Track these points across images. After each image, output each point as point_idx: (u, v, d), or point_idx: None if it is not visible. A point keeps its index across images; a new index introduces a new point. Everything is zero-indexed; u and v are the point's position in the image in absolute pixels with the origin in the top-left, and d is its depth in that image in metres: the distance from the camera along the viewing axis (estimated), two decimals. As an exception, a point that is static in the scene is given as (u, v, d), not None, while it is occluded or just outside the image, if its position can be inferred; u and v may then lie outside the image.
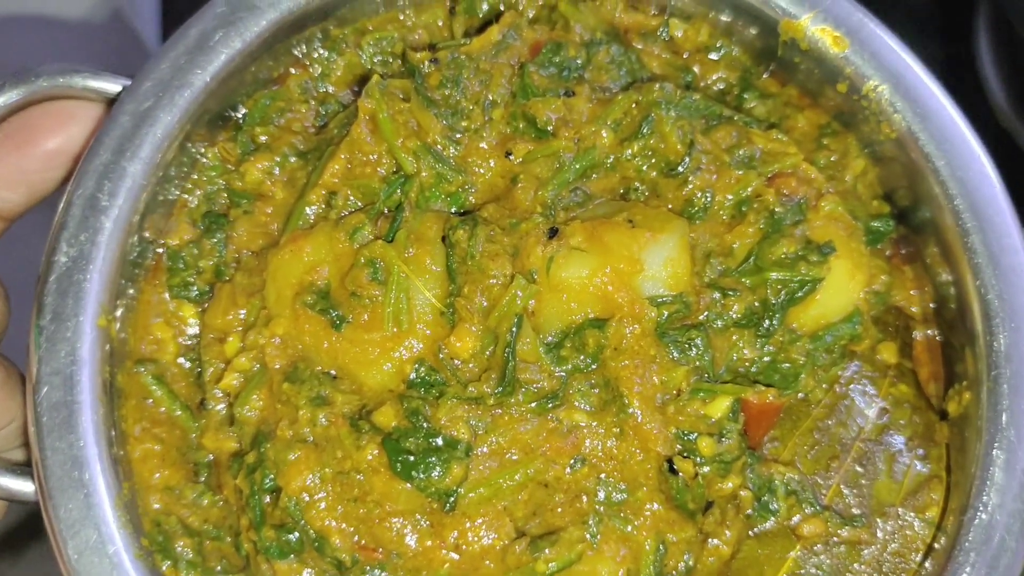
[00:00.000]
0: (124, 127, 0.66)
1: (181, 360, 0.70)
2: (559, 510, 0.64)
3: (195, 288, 0.70)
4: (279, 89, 0.73)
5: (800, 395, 0.68)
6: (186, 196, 0.71)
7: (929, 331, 0.71)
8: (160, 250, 0.70)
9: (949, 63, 0.98)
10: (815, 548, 0.66)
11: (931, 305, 0.71)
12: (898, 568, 0.65)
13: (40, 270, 0.65)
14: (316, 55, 0.73)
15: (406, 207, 0.67)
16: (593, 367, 0.65)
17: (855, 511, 0.66)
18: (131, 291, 0.68)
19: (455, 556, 0.63)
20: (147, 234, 0.68)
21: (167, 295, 0.70)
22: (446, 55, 0.70)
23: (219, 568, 0.67)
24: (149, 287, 0.70)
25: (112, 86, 0.69)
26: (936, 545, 0.65)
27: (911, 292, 0.72)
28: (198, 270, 0.70)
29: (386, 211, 0.68)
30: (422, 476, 0.62)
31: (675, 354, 0.65)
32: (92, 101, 0.69)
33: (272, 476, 0.64)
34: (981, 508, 0.63)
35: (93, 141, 0.66)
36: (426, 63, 0.70)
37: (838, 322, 0.68)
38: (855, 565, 0.66)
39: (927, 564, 0.65)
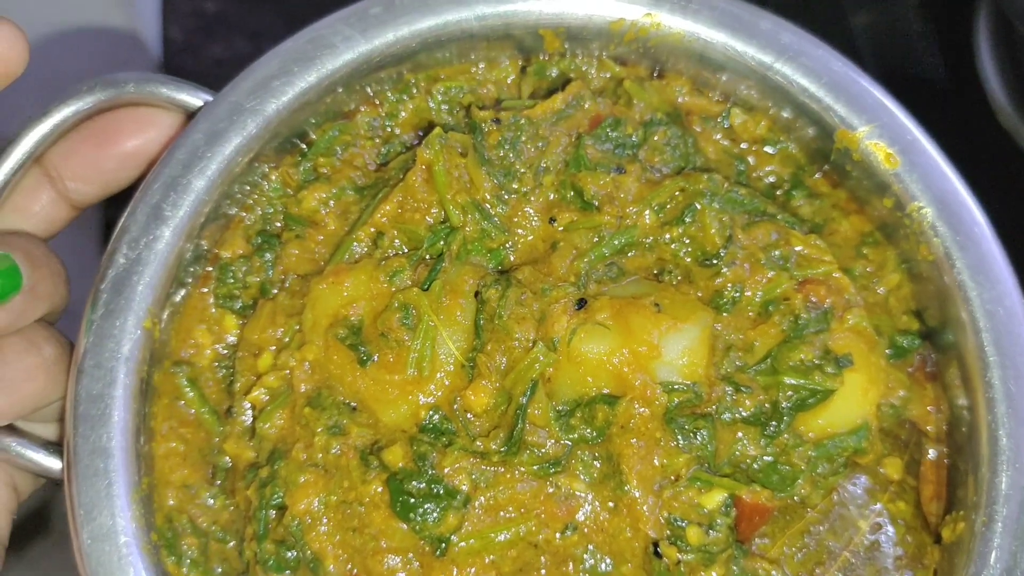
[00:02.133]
0: (196, 144, 0.71)
1: (216, 366, 0.74)
2: (543, 572, 0.67)
3: (240, 301, 0.74)
4: (347, 123, 0.76)
5: (794, 500, 0.70)
6: (244, 213, 0.75)
7: (941, 450, 0.72)
8: (212, 261, 0.75)
9: (949, 64, 0.96)
10: (792, 654, 0.68)
11: (945, 426, 0.72)
12: None
13: (100, 267, 0.70)
14: (387, 96, 0.77)
15: (447, 258, 0.70)
16: (598, 441, 0.68)
17: None
18: (180, 295, 0.73)
19: (438, 600, 0.67)
20: (203, 243, 0.73)
21: (212, 303, 0.75)
22: (508, 117, 0.73)
23: (220, 570, 0.71)
24: (197, 293, 0.74)
25: (194, 100, 0.73)
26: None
27: (928, 409, 0.73)
28: (245, 284, 0.74)
29: (427, 258, 0.71)
30: (419, 519, 0.66)
31: (680, 441, 0.68)
32: (172, 111, 0.74)
33: (281, 494, 0.68)
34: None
35: (166, 153, 0.71)
36: (488, 122, 0.73)
37: (844, 433, 0.69)
38: (826, 674, 0.67)
39: None
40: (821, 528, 0.69)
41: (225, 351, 0.74)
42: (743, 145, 0.77)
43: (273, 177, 0.76)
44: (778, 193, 0.76)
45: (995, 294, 0.68)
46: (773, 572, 0.68)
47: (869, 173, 0.72)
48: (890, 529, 0.70)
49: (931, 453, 0.73)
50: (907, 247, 0.72)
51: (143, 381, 0.70)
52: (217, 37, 1.42)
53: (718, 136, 0.77)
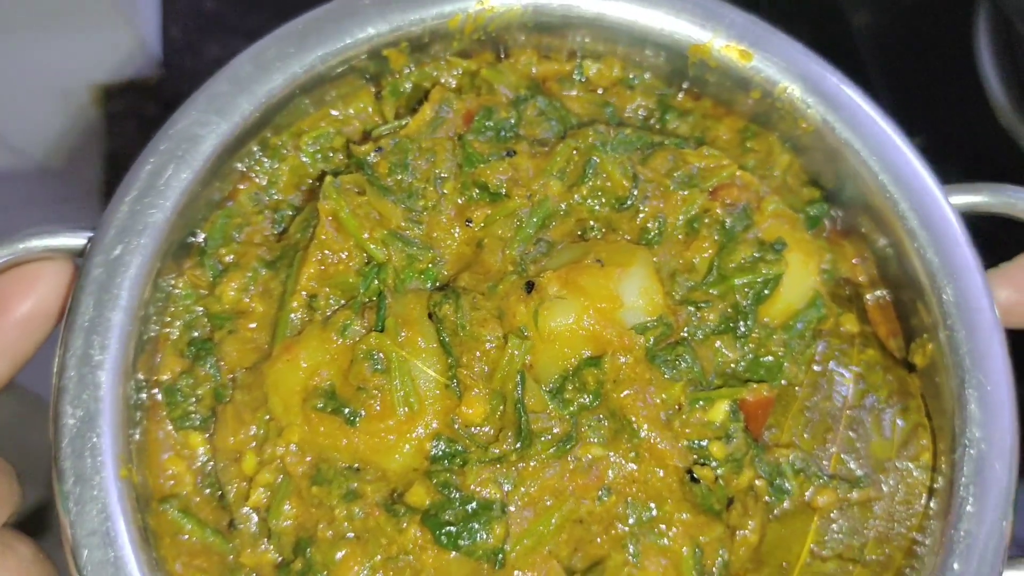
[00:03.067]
0: (100, 279, 0.68)
1: (201, 488, 0.72)
2: (598, 540, 0.69)
3: (197, 416, 0.72)
4: (232, 206, 0.76)
5: (784, 382, 0.74)
6: (167, 330, 0.73)
7: (878, 292, 0.78)
8: (155, 388, 0.72)
9: (949, 64, 0.99)
10: (831, 515, 0.72)
11: (875, 270, 0.78)
12: (908, 514, 0.72)
13: (50, 437, 0.67)
14: (260, 166, 0.76)
15: (387, 294, 0.71)
16: (597, 403, 0.70)
17: (858, 473, 0.73)
18: (137, 434, 0.70)
19: (515, 608, 0.68)
20: (140, 376, 0.71)
21: (171, 429, 0.72)
22: (387, 142, 0.75)
23: None
24: (153, 425, 0.72)
25: (75, 240, 0.71)
26: (936, 485, 0.72)
27: (853, 262, 0.79)
28: (196, 398, 0.72)
29: (368, 301, 0.72)
30: (468, 542, 0.67)
31: (668, 372, 0.71)
32: (57, 259, 0.71)
33: None
34: (968, 443, 0.70)
35: (72, 299, 0.69)
36: (371, 153, 0.74)
37: (804, 309, 0.74)
38: (870, 521, 0.72)
39: (932, 504, 0.72)
40: (815, 399, 0.74)
41: (203, 469, 0.73)
42: (602, 91, 0.81)
43: (180, 285, 0.74)
44: (652, 123, 0.81)
45: (876, 140, 0.75)
46: (791, 456, 0.73)
47: (728, 75, 0.77)
48: (870, 376, 0.75)
49: (870, 298, 0.79)
50: (785, 127, 0.77)
51: (142, 529, 0.67)
52: (216, 37, 1.41)
53: (577, 92, 0.80)
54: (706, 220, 0.74)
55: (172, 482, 0.72)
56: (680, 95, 0.81)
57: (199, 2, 1.44)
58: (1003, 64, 1.01)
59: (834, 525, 0.72)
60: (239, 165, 0.75)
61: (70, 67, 1.18)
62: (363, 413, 0.69)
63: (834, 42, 0.75)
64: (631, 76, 0.80)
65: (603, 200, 0.75)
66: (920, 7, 0.88)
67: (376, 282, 0.71)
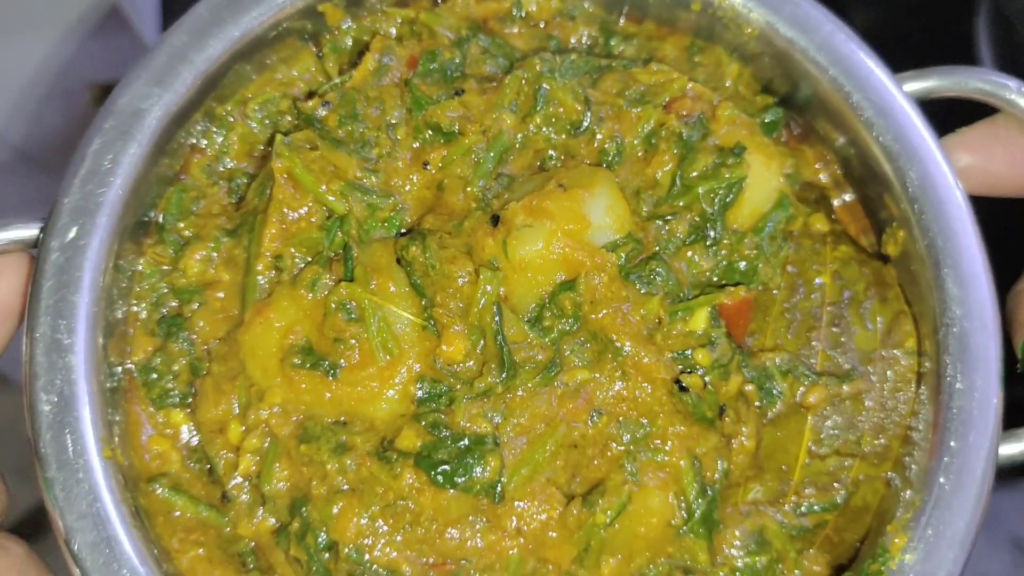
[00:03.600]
0: (58, 263, 0.68)
1: (188, 464, 0.71)
2: (595, 462, 0.69)
3: (176, 393, 0.72)
4: (186, 180, 0.75)
5: (761, 287, 0.74)
6: (135, 310, 0.72)
7: (844, 195, 0.79)
8: (130, 367, 0.72)
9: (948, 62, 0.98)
10: (824, 412, 0.72)
11: (839, 170, 0.78)
12: (900, 401, 0.72)
13: (27, 425, 0.66)
14: (209, 137, 0.76)
15: (352, 245, 0.70)
16: (577, 326, 0.70)
17: (846, 367, 0.73)
18: (118, 417, 0.69)
19: (521, 540, 0.67)
20: (112, 358, 0.70)
21: (152, 408, 0.72)
22: (334, 96, 0.74)
23: None
24: (132, 406, 0.71)
25: (27, 232, 0.70)
26: (923, 369, 0.72)
27: (816, 166, 0.79)
28: (173, 374, 0.71)
29: (334, 255, 0.71)
30: (464, 479, 0.66)
31: (643, 288, 0.71)
32: (13, 251, 0.70)
33: (323, 533, 0.66)
34: (950, 323, 0.70)
35: (32, 286, 0.68)
36: (319, 109, 0.74)
37: (771, 210, 0.74)
38: (863, 414, 0.72)
39: (922, 388, 0.72)
40: (794, 300, 0.74)
41: (189, 445, 0.72)
42: (544, 25, 0.81)
43: (142, 264, 0.73)
44: (597, 51, 0.81)
45: (822, 35, 0.75)
46: (777, 358, 0.73)
47: None
48: (845, 271, 0.75)
49: (837, 201, 0.79)
50: (730, 36, 0.78)
51: (132, 508, 0.66)
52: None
53: (519, 29, 0.80)
54: (663, 134, 0.74)
55: (159, 461, 0.71)
56: (622, 20, 0.81)
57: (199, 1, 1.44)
58: (1003, 64, 1.01)
59: (828, 422, 0.72)
60: (189, 139, 0.75)
61: (70, 67, 1.19)
62: (343, 364, 0.68)
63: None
64: (570, 7, 0.80)
65: (558, 127, 0.75)
66: (921, 7, 0.86)
67: (340, 235, 0.71)
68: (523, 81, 0.74)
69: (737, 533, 0.71)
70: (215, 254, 0.73)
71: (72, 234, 0.68)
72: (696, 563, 0.69)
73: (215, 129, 0.76)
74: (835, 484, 0.72)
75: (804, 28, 0.75)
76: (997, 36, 1.03)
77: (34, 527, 0.94)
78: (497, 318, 0.68)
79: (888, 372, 0.73)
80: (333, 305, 0.68)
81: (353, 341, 0.68)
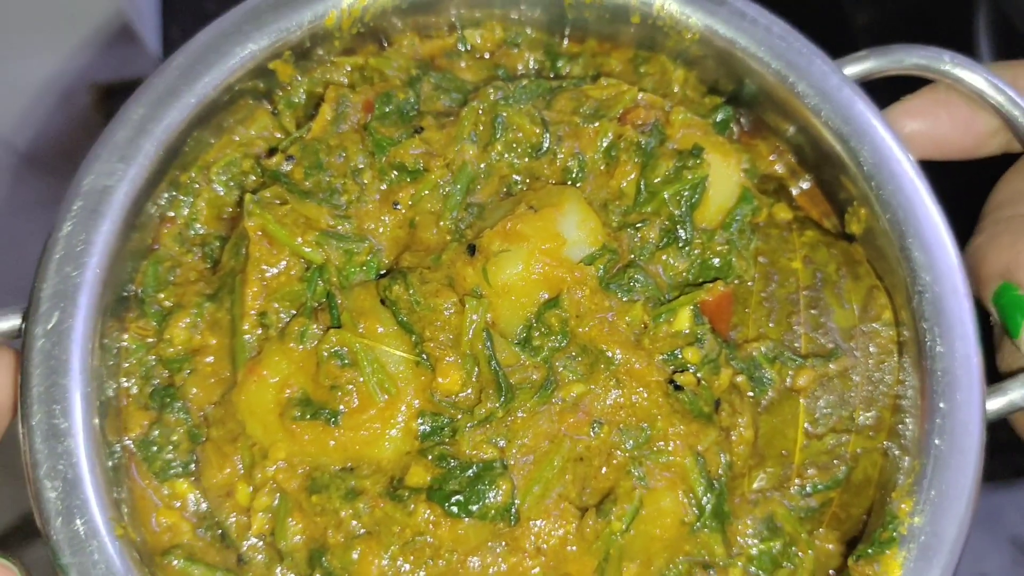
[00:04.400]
0: (45, 349, 0.68)
1: (200, 532, 0.71)
2: (603, 471, 0.70)
3: (178, 463, 0.72)
4: (159, 250, 0.76)
5: (737, 280, 0.76)
6: (125, 385, 0.73)
7: (802, 183, 0.81)
8: (128, 443, 0.72)
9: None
10: (815, 393, 0.75)
11: (792, 159, 0.81)
12: (885, 372, 0.75)
13: (36, 515, 0.66)
14: (176, 207, 0.76)
15: (335, 292, 0.72)
16: (566, 342, 0.71)
17: (830, 346, 0.75)
18: (124, 494, 0.69)
19: (542, 559, 0.68)
20: (110, 438, 0.70)
21: (156, 482, 0.72)
22: (296, 149, 0.76)
23: None
24: (135, 483, 0.71)
25: (7, 323, 0.70)
26: (903, 338, 0.75)
27: (770, 159, 0.82)
28: (173, 445, 0.72)
29: (318, 304, 0.72)
30: (478, 506, 0.67)
31: (625, 296, 0.73)
32: (-2, 346, 0.71)
33: None
34: (922, 289, 0.73)
35: (22, 375, 0.68)
36: (283, 164, 0.75)
37: (736, 205, 0.77)
38: (852, 389, 0.75)
39: (905, 356, 0.74)
40: (770, 289, 0.77)
41: (198, 513, 0.72)
42: (488, 56, 0.83)
43: (127, 339, 0.73)
44: (545, 75, 0.83)
45: (761, 32, 0.78)
46: (762, 347, 0.75)
47: (606, 7, 0.79)
48: (815, 254, 0.78)
49: (795, 190, 0.82)
50: (671, 44, 0.80)
51: (151, 584, 0.67)
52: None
53: (465, 63, 0.82)
54: (621, 146, 0.76)
55: (169, 534, 0.71)
56: (565, 41, 0.83)
57: (199, 2, 1.41)
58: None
59: (820, 402, 0.75)
60: (157, 210, 0.75)
61: (70, 67, 1.19)
62: (343, 410, 0.69)
63: (836, 42, 0.76)
64: (513, 35, 0.82)
65: (519, 152, 0.76)
66: (921, 7, 0.87)
67: (321, 284, 0.72)
68: (480, 111, 0.76)
69: (748, 522, 0.73)
70: (199, 320, 0.74)
71: (55, 319, 0.69)
72: (714, 557, 0.70)
73: (182, 197, 0.77)
74: (835, 461, 0.74)
75: (742, 26, 0.78)
76: (997, 36, 1.04)
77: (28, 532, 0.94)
78: (488, 344, 0.70)
79: (870, 346, 0.75)
80: (325, 354, 0.69)
81: (350, 386, 0.69)
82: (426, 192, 0.75)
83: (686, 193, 0.75)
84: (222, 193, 0.77)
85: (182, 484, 0.72)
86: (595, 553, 0.69)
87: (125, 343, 0.73)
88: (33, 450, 0.67)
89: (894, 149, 0.75)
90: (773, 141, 0.81)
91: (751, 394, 0.74)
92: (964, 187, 0.79)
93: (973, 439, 0.71)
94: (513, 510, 0.68)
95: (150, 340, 0.74)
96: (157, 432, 0.72)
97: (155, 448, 0.72)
